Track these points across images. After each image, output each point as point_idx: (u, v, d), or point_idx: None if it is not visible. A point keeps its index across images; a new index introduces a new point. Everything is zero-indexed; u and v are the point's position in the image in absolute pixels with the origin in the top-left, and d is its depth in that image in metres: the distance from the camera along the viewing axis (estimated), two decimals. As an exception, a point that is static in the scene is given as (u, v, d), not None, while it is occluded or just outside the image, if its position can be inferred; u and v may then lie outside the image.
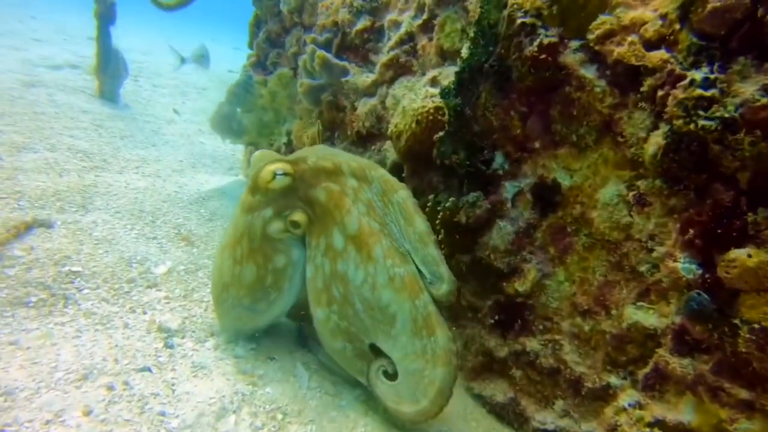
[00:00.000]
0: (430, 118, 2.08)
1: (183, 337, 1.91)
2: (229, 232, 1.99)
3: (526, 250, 2.00)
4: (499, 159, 2.06)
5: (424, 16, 2.41)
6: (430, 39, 2.40)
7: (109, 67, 5.63)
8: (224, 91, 8.29)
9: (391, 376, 1.80)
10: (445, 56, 2.29)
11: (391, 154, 2.46)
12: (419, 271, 1.85)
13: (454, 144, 2.05)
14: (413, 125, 2.13)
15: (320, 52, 2.64)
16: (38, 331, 1.81)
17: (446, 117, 2.02)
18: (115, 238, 2.52)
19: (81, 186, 2.99)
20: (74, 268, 2.18)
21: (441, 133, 2.05)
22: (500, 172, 2.05)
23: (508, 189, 2.04)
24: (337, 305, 1.81)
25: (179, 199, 3.26)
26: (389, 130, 2.27)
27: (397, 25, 2.57)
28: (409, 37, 2.48)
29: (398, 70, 2.50)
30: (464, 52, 1.92)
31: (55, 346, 1.72)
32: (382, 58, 2.53)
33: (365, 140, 2.65)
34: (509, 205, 2.03)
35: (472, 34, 1.89)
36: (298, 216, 1.82)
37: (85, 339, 1.79)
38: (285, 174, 1.82)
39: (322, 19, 2.94)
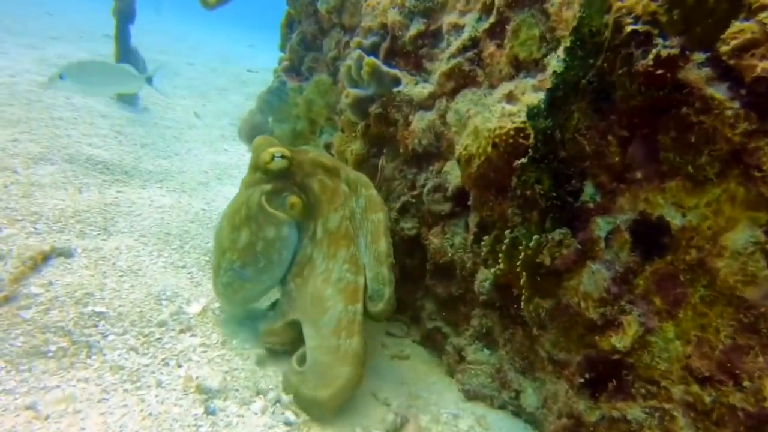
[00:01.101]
0: (510, 141, 1.80)
1: (225, 399, 1.66)
2: (230, 205, 2.20)
3: (625, 298, 1.71)
4: (589, 190, 1.77)
5: (491, 20, 2.13)
6: (499, 46, 2.11)
7: (128, 69, 5.41)
8: (244, 91, 8.06)
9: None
10: (520, 67, 2.01)
11: (453, 177, 2.19)
12: (368, 286, 2.03)
13: (539, 172, 1.77)
14: (488, 149, 1.85)
15: (369, 59, 2.37)
16: (59, 392, 1.57)
17: (531, 141, 1.74)
18: (142, 268, 2.28)
19: (102, 205, 2.75)
20: (98, 308, 1.94)
21: (523, 160, 1.77)
22: (591, 205, 1.77)
23: (601, 226, 1.76)
24: (300, 280, 2.08)
25: (207, 218, 3.02)
26: (457, 153, 2.00)
27: (457, 28, 2.29)
28: (473, 43, 2.20)
29: (460, 80, 2.22)
30: (557, 65, 1.64)
31: (79, 414, 1.48)
32: (442, 66, 2.25)
33: (421, 159, 2.38)
34: (603, 244, 1.75)
35: (568, 44, 1.60)
36: (294, 199, 2.08)
37: (113, 403, 1.54)
38: (283, 157, 2.06)
39: (367, 21, 2.66)
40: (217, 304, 2.17)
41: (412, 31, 2.44)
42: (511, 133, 1.79)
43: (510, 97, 1.94)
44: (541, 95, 1.84)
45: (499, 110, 1.86)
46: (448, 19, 2.33)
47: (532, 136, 1.73)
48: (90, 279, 2.09)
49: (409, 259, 2.49)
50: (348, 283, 1.99)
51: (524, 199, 1.91)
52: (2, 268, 1.98)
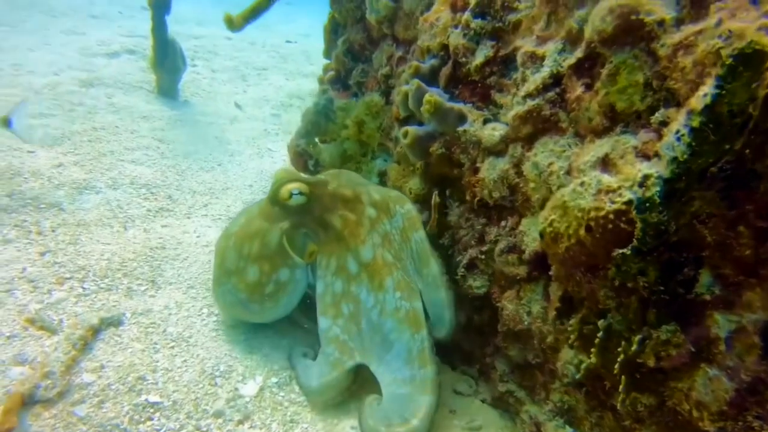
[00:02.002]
0: (609, 227, 1.50)
1: None
2: (240, 222, 2.18)
3: (753, 412, 1.45)
4: (705, 280, 1.47)
5: (579, 54, 1.78)
6: (588, 86, 1.77)
7: (167, 62, 5.22)
8: (284, 69, 7.73)
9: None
10: (616, 118, 1.68)
11: (530, 240, 1.92)
12: (427, 312, 2.04)
13: (644, 264, 1.48)
14: (581, 232, 1.56)
15: (430, 96, 2.07)
16: None
17: (637, 232, 1.43)
18: (193, 334, 2.15)
19: (148, 249, 2.62)
20: (151, 397, 1.82)
21: (625, 251, 1.48)
22: (707, 297, 1.47)
23: (721, 323, 1.46)
24: (343, 320, 2.00)
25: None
26: (540, 226, 1.72)
27: (534, 59, 1.95)
28: (555, 81, 1.86)
29: (539, 125, 1.90)
30: (678, 147, 1.32)
31: None
32: (517, 107, 1.93)
33: (491, 211, 2.10)
34: (723, 346, 1.46)
35: (696, 123, 1.27)
36: (313, 248, 2.06)
37: None
38: (301, 194, 2.04)
39: (425, 40, 2.33)
40: (274, 379, 2.02)
41: (479, 58, 2.11)
42: (611, 217, 1.49)
43: (606, 163, 1.63)
44: (648, 166, 1.51)
45: (593, 183, 1.55)
46: (523, 47, 1.99)
47: (638, 227, 1.43)
48: (141, 356, 1.97)
49: (478, 315, 2.26)
50: (407, 311, 1.95)
51: (622, 283, 1.63)
52: (54, 354, 1.88)
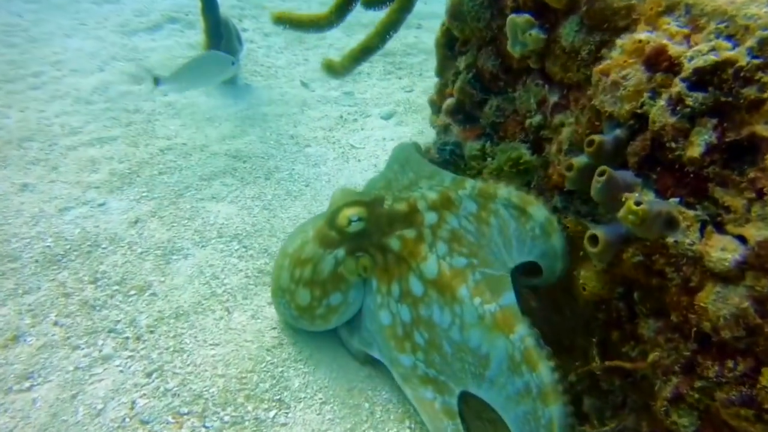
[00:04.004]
0: None
1: None
2: (296, 244, 2.22)
3: None
4: None
5: None
6: None
7: (221, 46, 4.82)
8: (352, 34, 7.14)
9: None
10: None
11: (783, 404, 1.56)
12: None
13: None
14: None
15: (635, 206, 1.65)
16: None
17: None
18: (342, 486, 1.97)
19: (265, 350, 2.40)
20: None
21: None
22: None
23: None
24: (422, 352, 1.95)
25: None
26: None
27: (794, 162, 1.49)
28: (835, 202, 1.42)
29: (804, 257, 1.48)
30: None
31: None
32: (760, 230, 1.51)
33: (709, 347, 1.74)
34: None
35: None
36: (366, 262, 2.07)
37: None
38: (360, 219, 2.06)
39: (606, 104, 1.87)
40: None
41: (699, 147, 1.65)
42: None
43: None
44: None
45: None
46: (774, 143, 1.53)
47: None
48: None
49: (676, 443, 1.97)
50: (493, 314, 1.84)
51: None
52: None
